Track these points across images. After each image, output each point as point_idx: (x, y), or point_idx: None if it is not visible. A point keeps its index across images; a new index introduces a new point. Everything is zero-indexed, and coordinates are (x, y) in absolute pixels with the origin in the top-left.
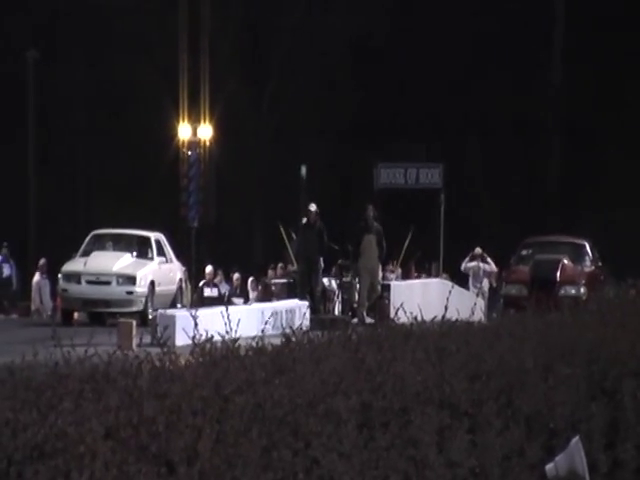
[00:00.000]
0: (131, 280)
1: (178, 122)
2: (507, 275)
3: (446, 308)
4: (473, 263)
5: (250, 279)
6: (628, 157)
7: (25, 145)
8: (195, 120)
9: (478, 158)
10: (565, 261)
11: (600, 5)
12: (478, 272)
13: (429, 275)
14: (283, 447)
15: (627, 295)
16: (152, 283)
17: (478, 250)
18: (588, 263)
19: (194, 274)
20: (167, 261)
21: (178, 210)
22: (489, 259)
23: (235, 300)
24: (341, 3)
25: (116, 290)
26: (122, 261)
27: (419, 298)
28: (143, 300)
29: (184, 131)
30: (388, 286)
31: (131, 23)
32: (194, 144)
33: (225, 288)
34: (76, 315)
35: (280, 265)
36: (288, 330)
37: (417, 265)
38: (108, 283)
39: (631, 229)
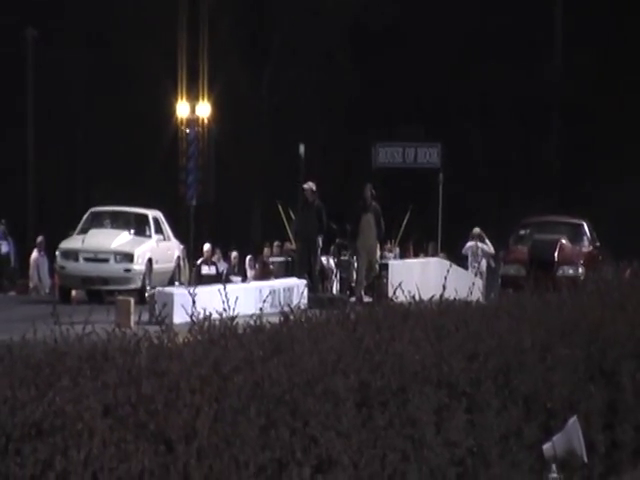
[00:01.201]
0: (129, 257)
1: (176, 100)
2: (505, 255)
3: (444, 287)
4: (471, 243)
5: (248, 257)
6: (629, 140)
7: (24, 123)
8: (194, 98)
9: (478, 139)
10: (563, 241)
11: None
12: (476, 252)
13: (427, 255)
14: (281, 426)
15: (623, 276)
16: (150, 261)
17: (476, 230)
18: (586, 243)
19: (192, 252)
20: (165, 239)
21: (177, 188)
22: (487, 240)
23: (233, 278)
24: None
25: (114, 267)
26: (120, 239)
27: (417, 277)
28: (141, 278)
29: (183, 109)
30: (386, 265)
31: (131, 1)
32: (193, 122)
33: (223, 266)
34: (74, 292)
35: (276, 243)
36: (286, 309)
37: (415, 245)
38: (106, 260)
39: (631, 211)
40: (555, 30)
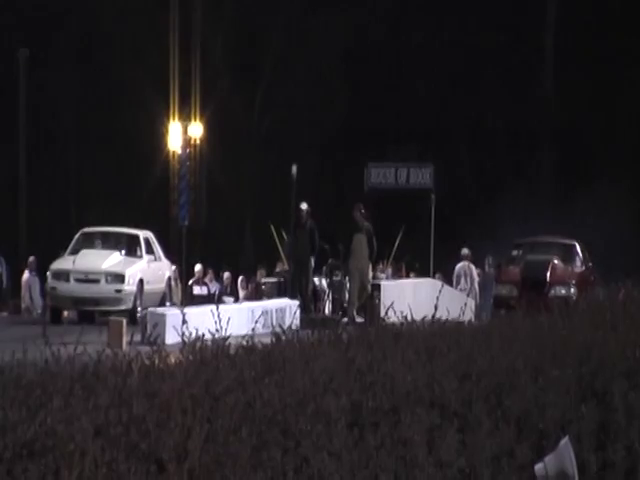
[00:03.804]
0: (120, 278)
1: (169, 121)
2: (498, 275)
3: (436, 308)
4: (462, 263)
5: (240, 278)
6: (619, 164)
7: (16, 143)
8: (186, 119)
9: (470, 160)
10: (555, 261)
11: (591, 15)
12: (468, 272)
13: (406, 275)
14: (273, 446)
15: (616, 297)
16: (141, 281)
17: (464, 251)
18: (578, 264)
19: (185, 273)
20: (156, 259)
21: (169, 209)
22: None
23: (225, 299)
24: (335, 5)
25: (105, 288)
26: (111, 259)
27: (410, 298)
28: (132, 298)
29: (175, 130)
30: (378, 285)
31: (123, 22)
32: (185, 143)
33: (215, 287)
34: (65, 313)
35: (277, 269)
36: (278, 329)
37: (407, 265)
38: (97, 281)
39: (621, 235)
40: (546, 51)
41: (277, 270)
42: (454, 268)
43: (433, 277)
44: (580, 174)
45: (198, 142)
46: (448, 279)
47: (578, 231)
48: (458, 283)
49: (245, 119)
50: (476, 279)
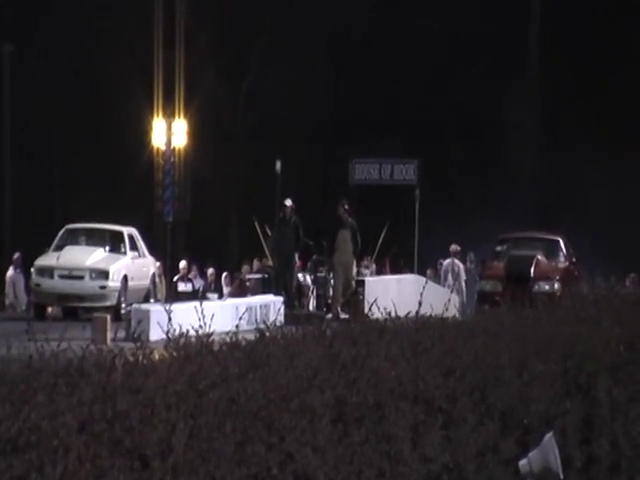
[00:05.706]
0: (104, 275)
1: (153, 116)
2: (482, 271)
3: (420, 304)
4: (448, 260)
5: (224, 274)
6: (605, 153)
7: (0, 139)
8: (170, 114)
9: (455, 153)
10: (539, 257)
11: (576, 3)
12: (453, 269)
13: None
14: (257, 442)
15: (600, 292)
16: (125, 278)
17: (453, 247)
18: (562, 259)
19: (169, 269)
20: (140, 256)
21: (153, 205)
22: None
23: (209, 295)
24: None
25: (89, 285)
26: (95, 256)
27: (394, 294)
28: (116, 295)
29: (159, 125)
30: (362, 282)
31: (108, 16)
32: (169, 138)
33: (199, 283)
34: (50, 309)
35: (256, 261)
36: (262, 325)
37: (392, 261)
38: (81, 278)
39: (608, 227)
40: (531, 44)
41: (256, 262)
42: (440, 264)
43: (420, 273)
44: (566, 163)
45: (182, 137)
46: (435, 275)
47: (563, 224)
48: (445, 279)
49: (230, 114)
50: (462, 276)
